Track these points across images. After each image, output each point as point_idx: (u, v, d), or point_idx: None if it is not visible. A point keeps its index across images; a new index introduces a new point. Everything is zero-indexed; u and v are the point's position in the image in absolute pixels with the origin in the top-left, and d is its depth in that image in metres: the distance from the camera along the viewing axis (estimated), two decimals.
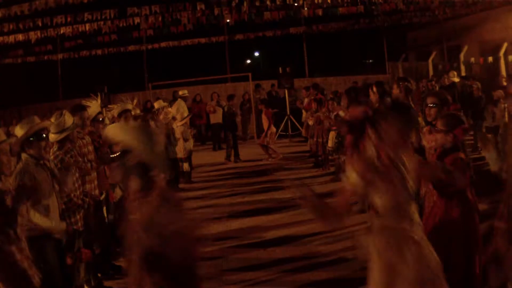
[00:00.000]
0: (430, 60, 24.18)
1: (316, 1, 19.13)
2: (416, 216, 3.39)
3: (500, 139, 10.43)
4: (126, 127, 3.37)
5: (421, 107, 6.40)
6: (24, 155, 4.69)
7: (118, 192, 6.87)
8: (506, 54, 21.03)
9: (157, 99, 13.16)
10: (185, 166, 12.24)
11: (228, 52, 24.50)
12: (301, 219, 8.47)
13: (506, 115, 12.07)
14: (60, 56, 23.62)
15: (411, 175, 3.36)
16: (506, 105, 12.42)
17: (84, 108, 6.63)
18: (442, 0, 21.02)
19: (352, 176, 3.28)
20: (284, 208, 9.22)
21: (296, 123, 18.39)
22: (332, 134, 11.17)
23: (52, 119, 5.55)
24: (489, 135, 11.33)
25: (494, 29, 22.16)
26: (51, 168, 4.93)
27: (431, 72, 23.08)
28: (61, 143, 5.58)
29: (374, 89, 7.50)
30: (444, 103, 5.40)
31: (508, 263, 3.83)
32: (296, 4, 20.67)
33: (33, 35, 19.40)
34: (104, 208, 6.83)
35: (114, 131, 3.36)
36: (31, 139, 4.69)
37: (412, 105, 6.77)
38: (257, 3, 19.10)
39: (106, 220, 6.91)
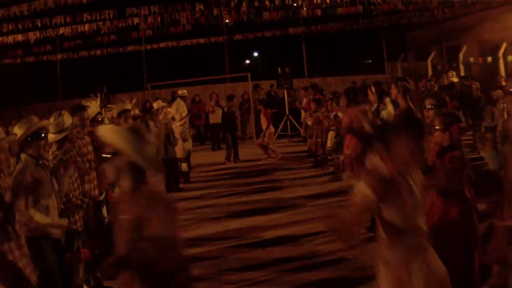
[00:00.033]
0: (429, 60, 24.21)
1: (315, 1, 19.15)
2: (424, 229, 3.38)
3: (499, 138, 10.44)
4: (116, 129, 3.37)
5: (421, 107, 6.41)
6: (23, 155, 4.70)
7: (117, 192, 6.87)
8: (505, 54, 21.04)
9: (156, 99, 13.17)
10: (184, 166, 12.25)
11: (227, 52, 24.49)
12: (300, 219, 8.51)
13: (505, 115, 12.10)
14: (59, 56, 23.62)
15: (419, 188, 3.36)
16: (505, 104, 12.47)
17: (84, 108, 6.63)
18: (441, 0, 21.03)
19: (362, 189, 3.25)
20: (282, 208, 9.25)
21: (295, 123, 18.40)
22: (331, 134, 11.19)
23: (51, 119, 5.55)
24: (488, 135, 11.35)
25: (493, 29, 22.16)
26: (51, 168, 4.93)
27: (430, 72, 23.10)
28: (60, 143, 5.58)
29: (373, 89, 7.52)
30: (442, 104, 5.41)
31: (509, 262, 3.85)
32: (295, 5, 20.70)
33: (32, 36, 19.42)
34: (104, 208, 6.83)
35: (104, 133, 3.37)
36: (30, 139, 4.69)
37: (411, 105, 6.78)
38: (256, 4, 19.13)
39: (106, 220, 6.91)
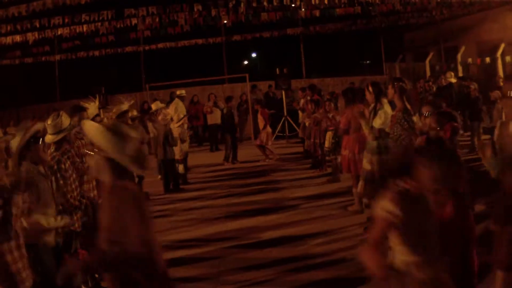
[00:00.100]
0: (427, 61, 24.21)
1: (313, 2, 19.11)
2: (436, 249, 3.39)
3: (497, 145, 10.43)
4: (97, 127, 3.38)
5: (419, 108, 6.43)
6: (25, 164, 4.66)
7: None
8: (503, 55, 21.04)
9: (154, 100, 13.19)
10: (180, 168, 12.25)
11: (225, 53, 24.49)
12: (298, 219, 8.53)
13: (503, 117, 12.11)
14: (57, 57, 23.58)
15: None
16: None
17: (83, 108, 6.65)
18: (439, 1, 21.03)
19: (386, 206, 3.24)
20: (281, 209, 9.25)
21: (293, 124, 18.39)
22: (329, 135, 11.19)
23: (49, 121, 5.54)
24: (486, 141, 11.37)
25: (492, 30, 22.16)
26: (51, 173, 4.94)
27: (428, 73, 23.10)
28: (58, 144, 5.57)
29: (370, 89, 7.52)
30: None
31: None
32: (293, 5, 20.67)
33: (31, 36, 19.39)
34: None
35: (87, 130, 3.39)
36: (28, 144, 4.66)
37: (408, 106, 6.80)
38: (254, 4, 19.11)
39: None
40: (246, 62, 43.51)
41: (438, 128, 4.58)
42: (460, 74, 20.11)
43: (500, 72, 20.14)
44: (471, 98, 13.76)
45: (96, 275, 6.18)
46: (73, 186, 5.58)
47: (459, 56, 23.09)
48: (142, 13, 19.08)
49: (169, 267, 5.62)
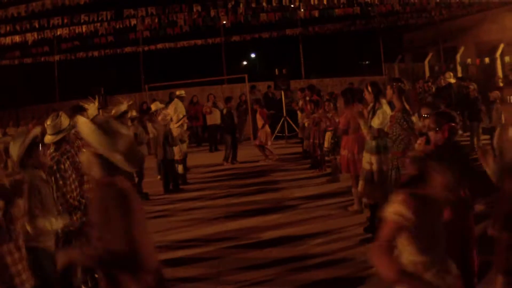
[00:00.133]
0: (426, 61, 24.22)
1: (312, 3, 19.11)
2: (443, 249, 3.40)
3: (496, 150, 10.44)
4: (88, 124, 3.38)
5: (418, 108, 6.43)
6: (28, 171, 4.64)
7: None
8: (502, 55, 21.05)
9: (153, 100, 13.18)
10: (180, 168, 12.26)
11: (225, 53, 24.49)
12: (298, 219, 8.53)
13: (503, 117, 12.13)
14: (56, 57, 23.56)
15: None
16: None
17: (83, 108, 6.64)
18: (439, 1, 21.04)
19: (400, 210, 3.23)
20: (280, 209, 9.26)
21: (293, 125, 18.40)
22: (328, 135, 11.19)
23: (48, 121, 5.54)
24: (487, 147, 11.38)
25: (491, 30, 22.19)
26: (50, 173, 4.94)
27: (427, 73, 23.10)
28: (57, 144, 5.56)
29: (369, 88, 7.52)
30: None
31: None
32: (292, 6, 20.66)
33: (30, 37, 19.37)
34: None
35: (79, 126, 3.40)
36: (28, 151, 4.65)
37: (406, 106, 6.80)
38: (253, 5, 19.10)
39: None
40: (245, 63, 43.51)
41: (437, 129, 4.57)
42: (459, 75, 20.13)
43: (499, 73, 20.17)
44: (470, 99, 13.77)
45: (96, 275, 6.18)
46: (73, 186, 5.57)
47: (458, 57, 23.10)
48: (141, 14, 19.06)
49: (169, 267, 5.63)
